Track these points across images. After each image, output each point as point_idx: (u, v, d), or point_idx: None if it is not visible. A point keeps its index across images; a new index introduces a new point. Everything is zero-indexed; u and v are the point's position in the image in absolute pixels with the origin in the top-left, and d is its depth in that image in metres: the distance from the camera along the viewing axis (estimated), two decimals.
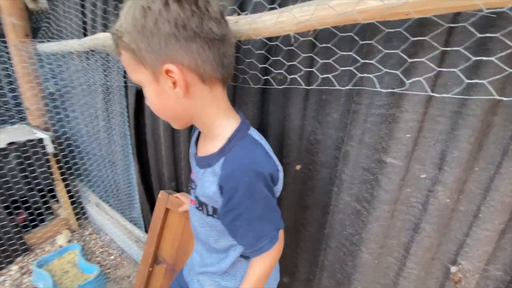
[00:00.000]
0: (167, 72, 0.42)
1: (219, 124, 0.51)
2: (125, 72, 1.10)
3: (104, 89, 1.28)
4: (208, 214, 0.58)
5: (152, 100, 0.48)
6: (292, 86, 0.64)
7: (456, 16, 0.41)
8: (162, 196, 1.07)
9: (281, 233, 0.56)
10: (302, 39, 0.56)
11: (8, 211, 1.47)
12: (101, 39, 1.06)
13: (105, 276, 1.40)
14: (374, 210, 0.57)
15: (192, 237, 1.01)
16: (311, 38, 0.55)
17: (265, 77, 0.68)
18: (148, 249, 1.10)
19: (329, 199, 0.71)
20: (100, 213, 1.68)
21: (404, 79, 0.45)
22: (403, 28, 0.42)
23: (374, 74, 0.48)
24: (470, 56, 0.37)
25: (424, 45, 0.44)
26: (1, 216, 1.43)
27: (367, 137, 0.55)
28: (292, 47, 0.58)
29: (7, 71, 1.71)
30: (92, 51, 1.23)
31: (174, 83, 0.43)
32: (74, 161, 1.77)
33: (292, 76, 0.61)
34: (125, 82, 1.11)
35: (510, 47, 0.35)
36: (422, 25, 0.43)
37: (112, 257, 1.55)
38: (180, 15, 0.38)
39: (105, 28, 1.16)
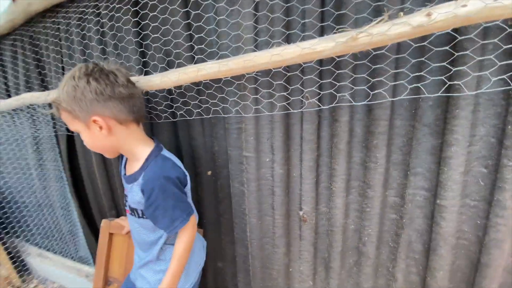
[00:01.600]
0: (94, 121, 0.67)
1: (137, 150, 0.77)
2: (54, 124, 1.27)
3: (34, 141, 1.40)
4: (139, 217, 0.81)
5: (87, 141, 0.73)
6: (195, 118, 0.95)
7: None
8: (104, 224, 1.23)
9: (192, 218, 0.82)
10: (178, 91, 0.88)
11: None
12: (27, 98, 1.22)
13: None
14: (249, 187, 0.89)
15: None
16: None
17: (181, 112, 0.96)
18: (98, 274, 1.22)
19: (230, 190, 1.01)
20: (44, 263, 1.68)
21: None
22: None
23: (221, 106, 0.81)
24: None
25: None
26: None
27: (234, 143, 0.88)
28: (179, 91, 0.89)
29: None
30: (19, 109, 1.35)
31: (101, 127, 0.68)
32: (6, 216, 1.74)
33: (187, 108, 0.92)
34: (55, 132, 1.27)
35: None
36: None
37: None
38: (98, 87, 0.65)
39: (28, 87, 1.32)
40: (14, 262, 1.73)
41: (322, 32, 0.67)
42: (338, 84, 0.69)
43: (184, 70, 0.76)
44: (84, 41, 1.07)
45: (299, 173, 0.86)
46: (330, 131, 0.79)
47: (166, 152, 0.82)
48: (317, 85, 0.72)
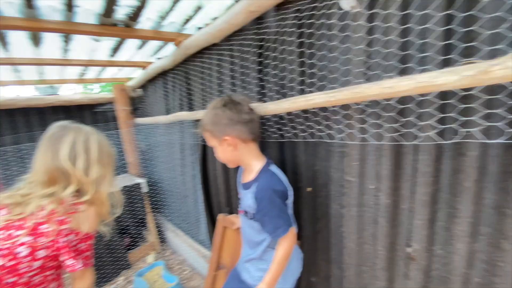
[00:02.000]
0: (225, 140, 0.89)
1: (253, 163, 0.95)
2: (195, 136, 1.67)
3: (180, 147, 1.88)
4: (249, 218, 0.99)
5: (218, 154, 0.96)
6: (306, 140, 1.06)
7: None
8: (220, 218, 1.51)
9: (292, 229, 0.91)
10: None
11: (118, 237, 2.09)
12: (180, 115, 1.66)
13: (181, 285, 1.85)
14: (349, 211, 0.90)
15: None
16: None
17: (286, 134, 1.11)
18: (213, 258, 1.51)
19: (329, 210, 1.04)
20: (176, 238, 2.21)
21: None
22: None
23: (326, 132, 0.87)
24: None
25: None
26: (115, 241, 2.06)
27: (336, 165, 0.92)
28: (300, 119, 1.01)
29: (118, 138, 2.51)
30: (173, 123, 1.86)
31: (229, 145, 0.89)
32: (158, 199, 2.40)
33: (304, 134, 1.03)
34: (195, 142, 1.67)
35: None
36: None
37: (185, 272, 2.01)
38: (229, 114, 0.87)
39: (181, 108, 1.79)
40: (158, 233, 2.35)
41: (444, 65, 0.62)
42: (465, 118, 0.62)
43: (294, 99, 0.88)
44: (220, 75, 1.39)
45: (409, 206, 0.80)
46: (453, 165, 0.71)
47: (274, 168, 0.96)
48: (436, 118, 0.67)
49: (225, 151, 0.93)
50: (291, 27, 0.93)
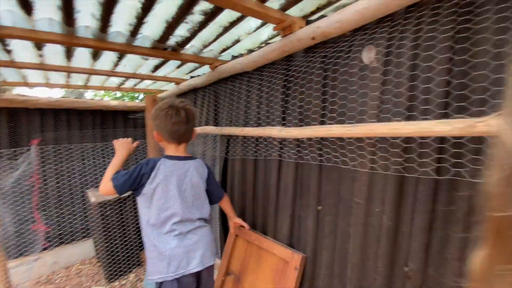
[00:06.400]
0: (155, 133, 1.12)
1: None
2: (215, 148, 1.84)
3: (201, 158, 2.05)
4: None
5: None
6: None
7: None
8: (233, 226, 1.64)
9: (106, 184, 1.10)
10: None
11: (134, 236, 2.23)
12: (207, 129, 1.84)
13: None
14: (356, 230, 1.03)
15: (252, 256, 1.51)
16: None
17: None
18: (223, 264, 1.62)
19: (337, 228, 1.17)
20: None
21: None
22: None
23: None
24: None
25: None
26: (130, 239, 2.19)
27: (347, 188, 1.06)
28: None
29: (144, 144, 2.71)
30: (197, 135, 2.04)
31: (156, 138, 1.13)
32: None
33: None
34: (216, 154, 1.84)
35: None
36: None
37: None
38: (162, 118, 1.10)
39: (207, 123, 1.98)
40: None
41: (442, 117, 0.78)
42: (456, 160, 0.76)
43: (316, 128, 1.04)
44: (247, 98, 1.58)
45: (409, 230, 0.92)
46: (448, 199, 0.84)
47: (163, 159, 1.14)
48: (433, 157, 0.81)
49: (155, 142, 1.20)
50: (313, 69, 1.12)
